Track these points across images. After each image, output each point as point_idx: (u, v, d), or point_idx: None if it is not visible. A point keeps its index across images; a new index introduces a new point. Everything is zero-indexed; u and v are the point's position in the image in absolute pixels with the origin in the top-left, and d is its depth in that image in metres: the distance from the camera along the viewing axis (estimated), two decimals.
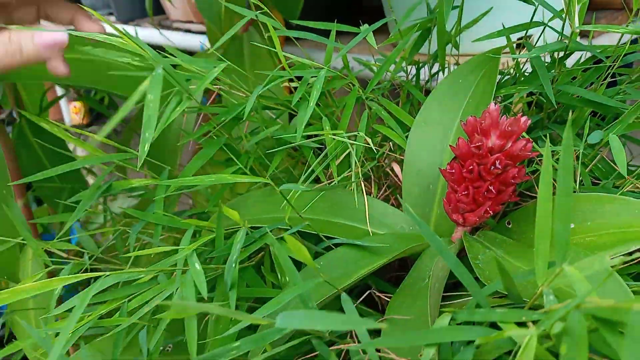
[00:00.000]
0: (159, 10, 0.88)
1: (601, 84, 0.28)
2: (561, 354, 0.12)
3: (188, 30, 0.78)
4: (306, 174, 0.26)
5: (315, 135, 0.29)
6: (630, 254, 0.20)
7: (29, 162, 0.49)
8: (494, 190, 0.23)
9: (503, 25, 0.29)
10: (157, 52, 0.25)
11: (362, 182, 0.26)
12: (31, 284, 0.19)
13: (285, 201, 0.27)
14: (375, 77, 0.29)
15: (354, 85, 0.29)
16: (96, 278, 0.21)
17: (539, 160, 0.27)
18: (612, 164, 0.26)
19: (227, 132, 0.29)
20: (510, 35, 0.29)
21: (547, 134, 0.27)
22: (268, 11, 0.31)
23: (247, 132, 0.31)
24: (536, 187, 0.27)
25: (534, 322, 0.14)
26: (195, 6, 0.77)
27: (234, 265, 0.22)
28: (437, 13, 0.27)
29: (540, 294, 0.15)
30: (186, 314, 0.20)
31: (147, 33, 0.81)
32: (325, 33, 0.30)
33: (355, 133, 0.26)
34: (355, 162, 0.26)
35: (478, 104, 0.27)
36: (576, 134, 0.28)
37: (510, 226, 0.26)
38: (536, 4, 0.28)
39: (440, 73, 0.32)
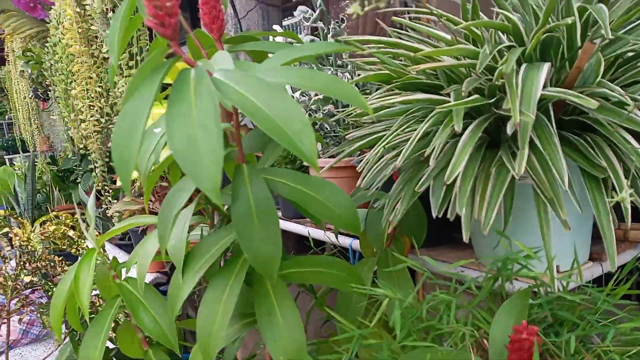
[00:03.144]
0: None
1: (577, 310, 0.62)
2: None
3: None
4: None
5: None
6: None
7: None
8: (527, 357, 0.56)
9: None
10: None
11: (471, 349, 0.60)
12: None
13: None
14: (483, 292, 0.64)
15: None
16: None
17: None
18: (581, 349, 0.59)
19: None
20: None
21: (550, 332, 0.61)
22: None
23: None
24: (547, 356, 0.60)
25: None
26: None
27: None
28: (503, 262, 0.63)
29: None
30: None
31: (305, 228, 1.23)
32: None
33: (469, 328, 0.61)
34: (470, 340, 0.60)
35: (521, 319, 0.62)
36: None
37: None
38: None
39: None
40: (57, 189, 3.11)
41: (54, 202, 3.07)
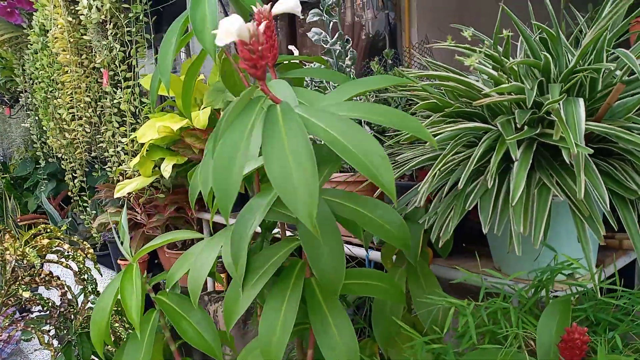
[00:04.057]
0: None
1: (611, 308, 0.72)
2: None
3: None
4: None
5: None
6: None
7: None
8: (578, 354, 0.66)
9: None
10: None
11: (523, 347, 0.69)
12: None
13: None
14: (532, 298, 0.73)
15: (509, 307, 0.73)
16: None
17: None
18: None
19: None
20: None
21: (592, 330, 0.71)
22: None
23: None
24: (592, 353, 0.69)
25: None
26: None
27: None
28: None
29: None
30: None
31: None
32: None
33: (521, 331, 0.70)
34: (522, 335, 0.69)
35: (563, 322, 0.71)
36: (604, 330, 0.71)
37: None
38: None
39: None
40: (11, 197, 2.97)
41: (9, 212, 2.93)
